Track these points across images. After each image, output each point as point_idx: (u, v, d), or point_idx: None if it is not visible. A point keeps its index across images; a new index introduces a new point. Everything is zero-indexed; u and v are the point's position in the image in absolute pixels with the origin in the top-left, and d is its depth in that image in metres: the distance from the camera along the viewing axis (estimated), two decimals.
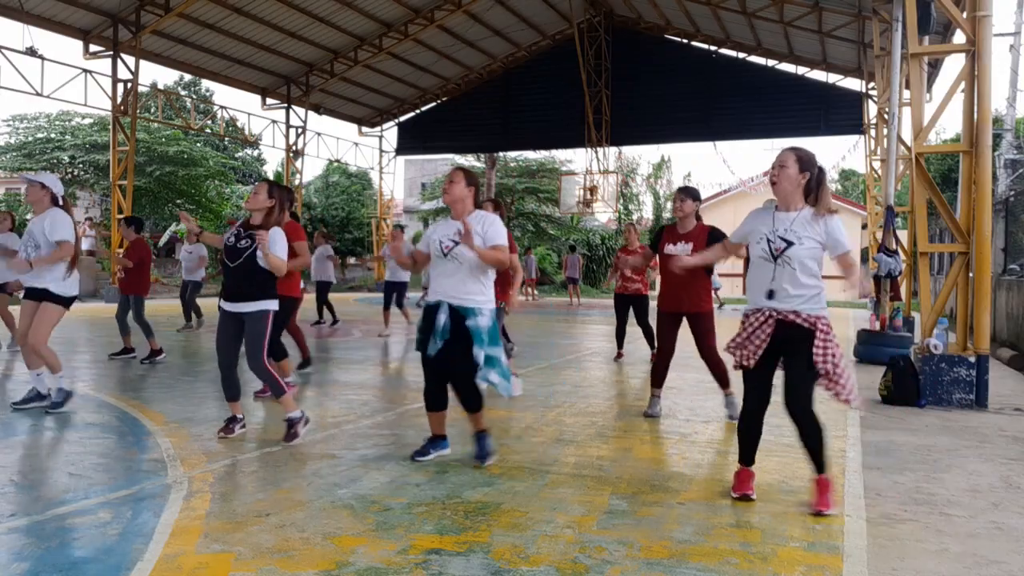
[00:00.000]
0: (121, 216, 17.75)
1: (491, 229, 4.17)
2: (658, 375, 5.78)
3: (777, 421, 5.38)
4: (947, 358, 6.44)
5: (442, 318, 4.09)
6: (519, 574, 2.78)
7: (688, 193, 5.61)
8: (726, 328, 4.82)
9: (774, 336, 3.56)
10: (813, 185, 3.61)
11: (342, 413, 5.68)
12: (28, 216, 22.41)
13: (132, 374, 7.46)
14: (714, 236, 5.37)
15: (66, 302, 5.61)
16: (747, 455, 3.76)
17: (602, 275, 34.27)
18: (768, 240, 3.60)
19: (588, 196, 25.52)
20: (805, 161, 3.62)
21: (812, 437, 3.56)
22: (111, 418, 5.38)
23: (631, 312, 9.11)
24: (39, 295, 5.52)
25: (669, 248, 5.52)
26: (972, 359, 6.42)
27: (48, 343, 5.54)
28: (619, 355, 9.18)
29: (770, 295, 3.58)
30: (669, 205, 43.68)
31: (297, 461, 4.28)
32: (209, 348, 9.88)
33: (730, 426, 5.44)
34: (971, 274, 6.58)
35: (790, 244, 3.55)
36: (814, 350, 3.50)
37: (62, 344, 5.60)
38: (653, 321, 6.46)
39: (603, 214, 33.21)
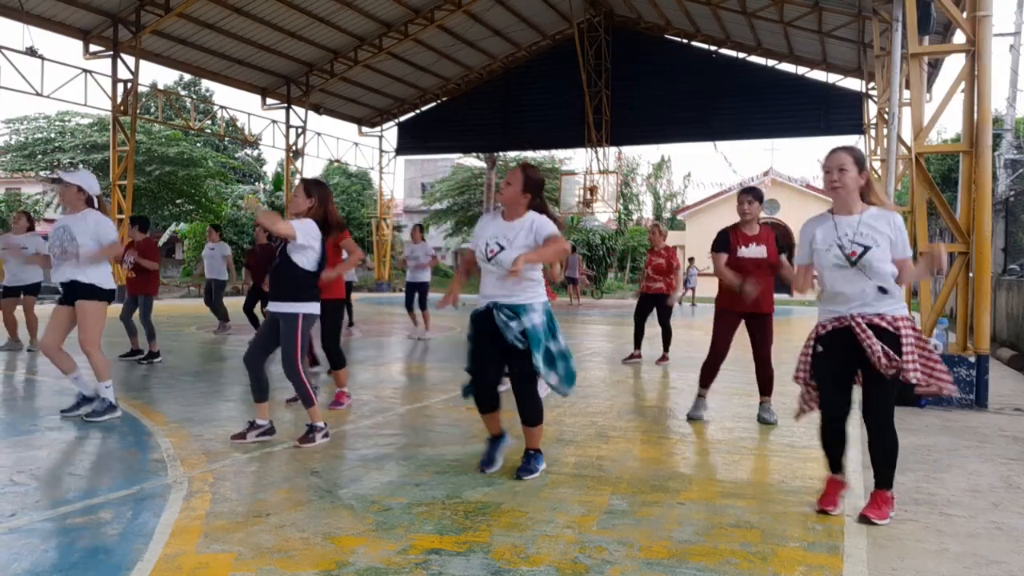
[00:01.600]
0: (122, 216, 17.77)
1: (541, 228, 3.95)
2: (707, 376, 5.64)
3: (780, 422, 5.40)
4: (947, 358, 6.44)
5: (501, 316, 3.92)
6: (519, 574, 2.78)
7: (755, 195, 5.45)
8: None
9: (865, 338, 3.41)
10: (865, 184, 3.47)
11: (342, 413, 5.68)
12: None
13: (133, 375, 7.46)
14: (780, 242, 5.41)
15: (108, 295, 5.37)
16: (834, 464, 3.62)
17: (602, 275, 34.27)
18: (840, 247, 3.43)
19: (588, 196, 25.53)
20: (861, 161, 3.47)
21: (890, 449, 3.43)
22: (111, 418, 5.37)
23: (653, 312, 9.01)
24: (79, 294, 5.25)
25: (742, 251, 5.41)
26: (972, 359, 6.42)
27: (98, 346, 5.30)
28: (632, 356, 8.98)
29: (849, 300, 3.44)
30: (669, 205, 43.84)
31: (297, 461, 4.28)
32: (210, 350, 9.88)
33: (730, 427, 5.44)
34: (971, 274, 6.58)
35: (867, 248, 3.38)
36: (904, 356, 3.33)
37: (65, 344, 5.57)
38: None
39: (603, 214, 33.23)
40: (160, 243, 32.91)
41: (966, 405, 6.36)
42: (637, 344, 9.09)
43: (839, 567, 2.90)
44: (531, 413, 4.02)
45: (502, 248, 3.93)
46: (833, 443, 3.58)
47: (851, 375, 3.51)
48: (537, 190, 4.05)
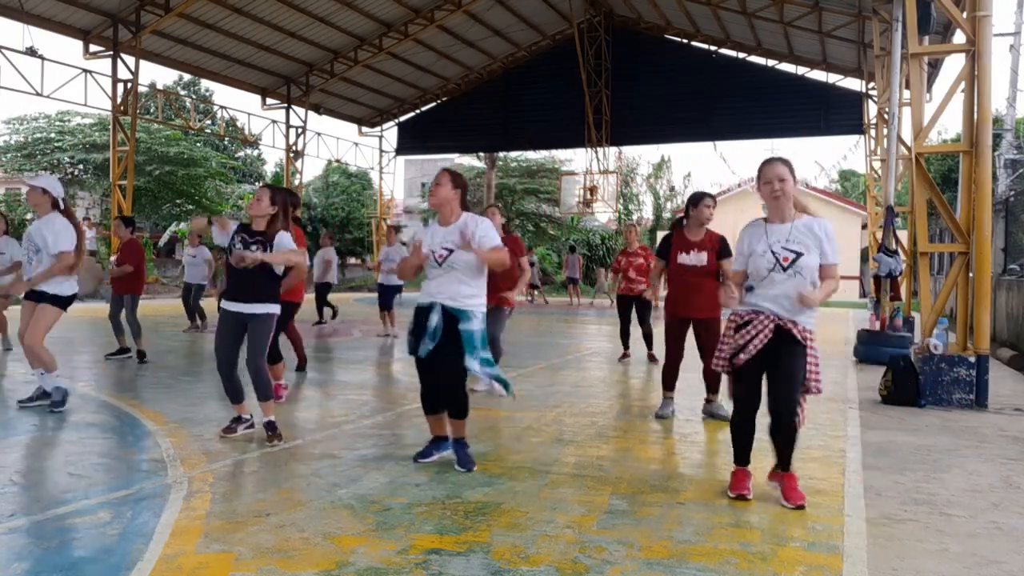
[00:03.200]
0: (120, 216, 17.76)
1: (486, 232, 4.14)
2: (667, 379, 5.77)
3: None
4: (947, 358, 6.44)
5: (435, 319, 4.08)
6: (519, 574, 2.78)
7: (714, 199, 5.56)
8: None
9: (771, 340, 3.60)
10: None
11: (342, 413, 5.68)
12: (28, 216, 22.42)
13: (131, 374, 7.45)
14: (725, 249, 5.43)
15: (63, 303, 5.62)
16: (742, 456, 3.79)
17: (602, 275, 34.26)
18: (773, 253, 3.60)
19: (588, 196, 25.52)
20: (794, 171, 3.67)
21: (789, 437, 3.65)
22: (111, 418, 5.38)
23: (634, 313, 9.09)
24: (37, 296, 5.53)
25: (682, 257, 5.50)
26: (972, 359, 6.42)
27: (44, 343, 5.56)
28: (624, 355, 9.13)
29: (772, 300, 3.60)
30: (669, 205, 43.78)
31: (297, 461, 4.28)
32: (209, 350, 9.88)
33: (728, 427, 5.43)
34: (971, 274, 6.58)
35: (799, 255, 3.57)
36: (807, 367, 3.59)
37: (62, 344, 5.59)
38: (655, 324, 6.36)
39: (603, 214, 33.21)
40: (160, 243, 32.86)
41: (966, 405, 6.35)
42: (624, 343, 9.19)
43: (839, 567, 2.90)
44: (457, 406, 4.20)
45: (451, 251, 4.11)
46: (741, 434, 3.77)
47: (763, 369, 3.66)
48: (464, 188, 4.29)
